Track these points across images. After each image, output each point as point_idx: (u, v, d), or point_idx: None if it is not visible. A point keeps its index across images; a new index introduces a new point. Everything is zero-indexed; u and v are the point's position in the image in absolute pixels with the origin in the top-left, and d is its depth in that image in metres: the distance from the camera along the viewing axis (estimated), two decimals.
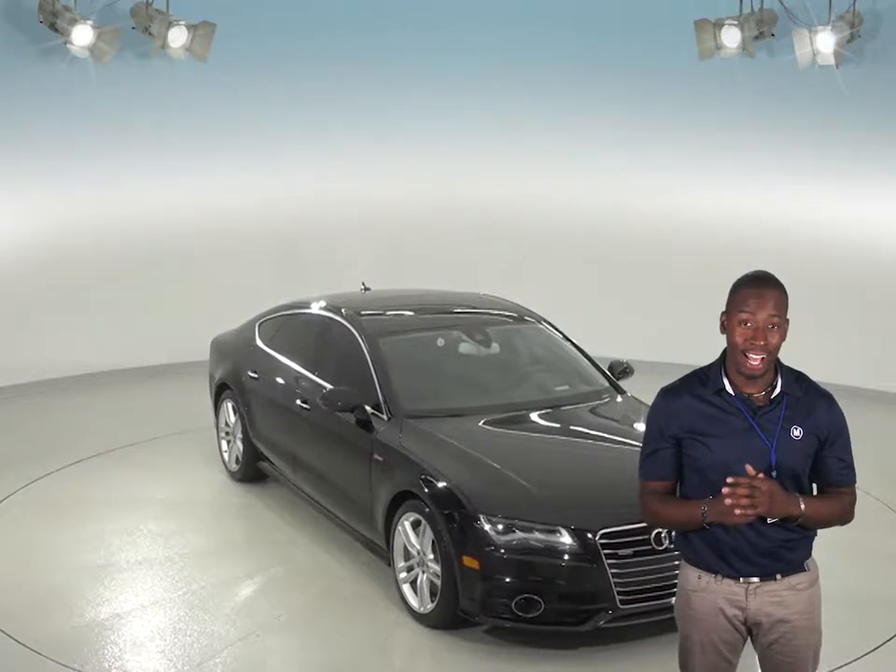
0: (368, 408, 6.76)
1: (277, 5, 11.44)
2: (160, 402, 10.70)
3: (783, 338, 3.58)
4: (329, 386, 7.21)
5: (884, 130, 10.76)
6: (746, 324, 3.54)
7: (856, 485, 3.72)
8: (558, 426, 6.85)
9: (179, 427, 9.71)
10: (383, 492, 6.38)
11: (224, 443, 8.61)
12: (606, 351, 11.10)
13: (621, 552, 5.59)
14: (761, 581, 3.64)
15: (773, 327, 3.54)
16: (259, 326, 8.54)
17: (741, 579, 3.64)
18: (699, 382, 3.70)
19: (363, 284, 8.57)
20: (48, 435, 9.60)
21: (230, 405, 8.50)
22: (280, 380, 7.89)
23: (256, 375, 8.18)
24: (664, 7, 11.20)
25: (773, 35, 10.28)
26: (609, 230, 11.97)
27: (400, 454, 6.38)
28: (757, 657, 3.80)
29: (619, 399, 7.22)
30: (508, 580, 5.62)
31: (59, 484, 8.35)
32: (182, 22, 10.26)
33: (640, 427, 6.75)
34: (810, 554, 3.72)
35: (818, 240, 11.22)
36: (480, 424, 6.64)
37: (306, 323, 8.01)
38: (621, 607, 5.58)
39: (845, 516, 3.70)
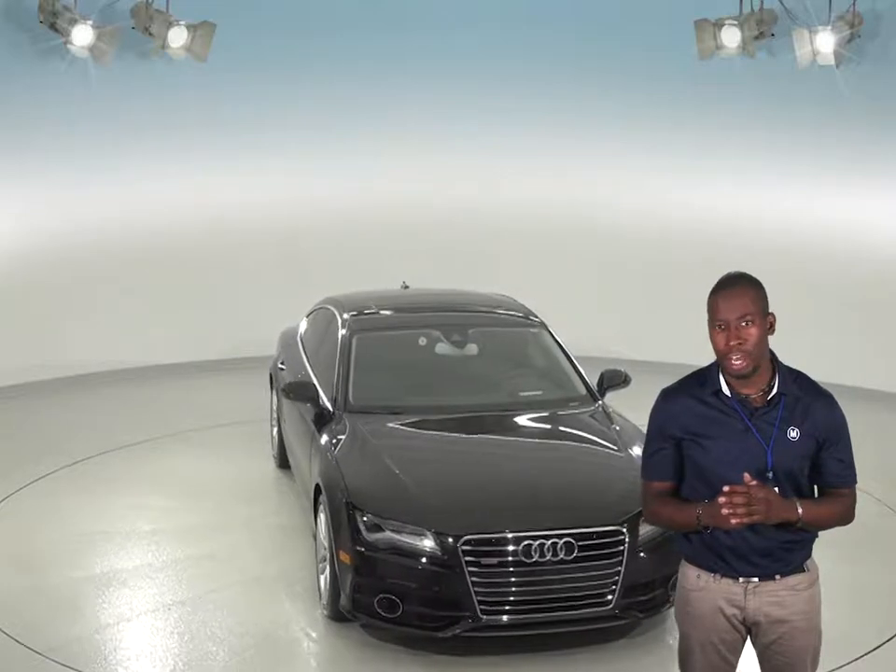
0: (325, 401, 6.87)
1: (277, 5, 11.43)
2: (181, 399, 10.82)
3: (764, 332, 3.56)
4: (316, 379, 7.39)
5: (884, 130, 10.75)
6: (720, 328, 3.56)
7: (856, 486, 3.71)
8: (492, 430, 6.76)
9: (199, 423, 9.87)
10: (311, 484, 6.54)
11: (274, 430, 8.84)
12: (609, 352, 11.19)
13: (483, 560, 5.50)
14: (759, 580, 3.64)
15: (746, 324, 3.53)
16: (306, 319, 8.79)
17: (740, 578, 3.64)
18: (698, 383, 3.70)
19: (404, 282, 8.78)
20: (76, 427, 9.81)
21: (275, 393, 8.78)
22: (292, 371, 8.09)
23: (283, 366, 8.44)
24: (664, 7, 11.20)
25: (773, 35, 10.29)
26: (609, 229, 11.96)
27: (323, 446, 6.50)
28: (756, 657, 3.80)
29: (588, 408, 6.95)
30: (371, 578, 5.64)
31: (95, 467, 8.70)
32: (182, 22, 10.26)
33: (585, 438, 6.69)
34: (810, 555, 3.72)
35: (817, 240, 11.21)
36: (404, 423, 6.66)
37: (323, 318, 8.18)
38: (482, 617, 5.47)
39: (845, 517, 3.69)
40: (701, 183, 11.67)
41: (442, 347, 7.51)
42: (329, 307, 8.10)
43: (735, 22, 10.30)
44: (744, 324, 3.53)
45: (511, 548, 5.50)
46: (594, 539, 5.60)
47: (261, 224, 11.89)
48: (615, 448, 6.39)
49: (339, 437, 6.51)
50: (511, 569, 5.51)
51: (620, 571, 5.57)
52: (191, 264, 11.74)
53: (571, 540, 5.52)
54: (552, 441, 6.85)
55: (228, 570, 6.80)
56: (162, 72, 10.89)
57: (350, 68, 11.59)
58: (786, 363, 3.70)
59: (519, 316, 7.85)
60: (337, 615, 5.95)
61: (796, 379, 3.67)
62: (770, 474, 3.55)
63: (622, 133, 11.71)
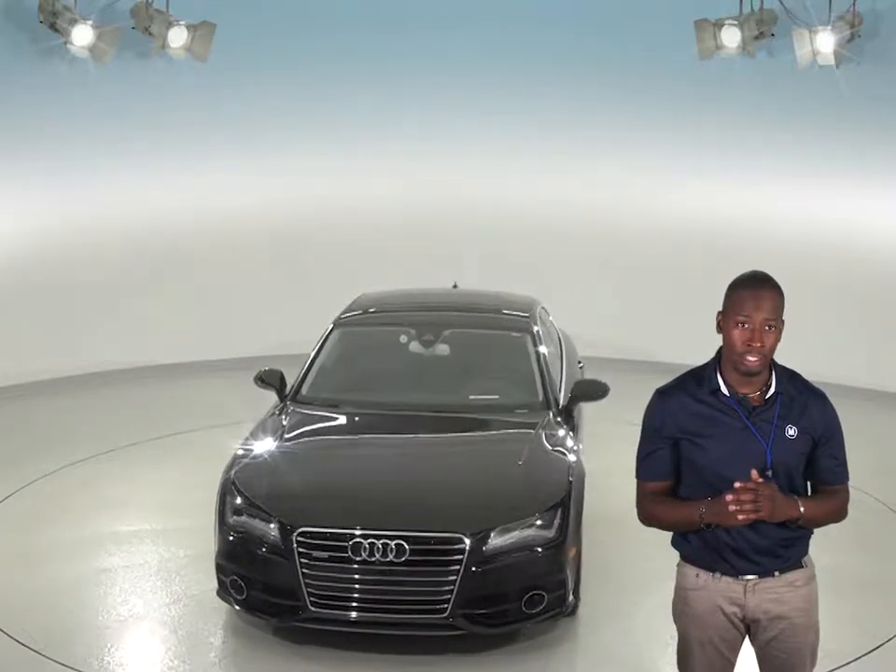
0: (286, 389, 6.99)
1: (277, 5, 11.44)
2: (185, 398, 10.84)
3: (779, 339, 3.58)
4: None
5: (884, 130, 10.75)
6: (743, 326, 3.54)
7: (850, 484, 3.74)
8: (412, 430, 6.68)
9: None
10: None
11: None
12: (607, 352, 11.18)
13: (315, 553, 5.53)
14: (759, 578, 3.65)
15: (769, 328, 3.54)
16: None
17: (739, 577, 3.65)
18: (694, 382, 3.70)
19: (454, 283, 8.84)
20: (77, 427, 9.89)
21: None
22: None
23: None
24: (664, 7, 11.19)
25: (773, 35, 10.27)
26: (608, 230, 11.95)
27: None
28: (755, 656, 3.80)
29: (534, 416, 6.68)
30: (228, 560, 5.78)
31: (97, 465, 8.84)
32: (182, 22, 10.27)
33: (492, 446, 6.61)
34: (807, 551, 3.73)
35: (818, 239, 11.21)
36: (332, 416, 6.74)
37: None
38: (311, 609, 5.51)
39: (839, 514, 3.73)
40: (701, 183, 11.66)
41: (416, 346, 7.52)
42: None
43: (735, 22, 10.28)
44: (767, 328, 3.53)
45: (341, 544, 5.51)
46: (429, 545, 5.54)
47: (261, 224, 11.89)
48: (517, 459, 6.17)
49: (266, 423, 6.63)
50: (340, 565, 5.52)
51: (456, 580, 5.46)
52: (191, 264, 11.74)
53: (403, 543, 5.47)
54: (454, 445, 6.66)
55: (184, 545, 6.99)
56: (162, 72, 10.89)
57: (350, 68, 11.59)
58: (785, 362, 3.71)
59: (516, 319, 7.66)
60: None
61: (791, 378, 3.69)
62: (769, 472, 3.56)
63: (621, 132, 11.70)
